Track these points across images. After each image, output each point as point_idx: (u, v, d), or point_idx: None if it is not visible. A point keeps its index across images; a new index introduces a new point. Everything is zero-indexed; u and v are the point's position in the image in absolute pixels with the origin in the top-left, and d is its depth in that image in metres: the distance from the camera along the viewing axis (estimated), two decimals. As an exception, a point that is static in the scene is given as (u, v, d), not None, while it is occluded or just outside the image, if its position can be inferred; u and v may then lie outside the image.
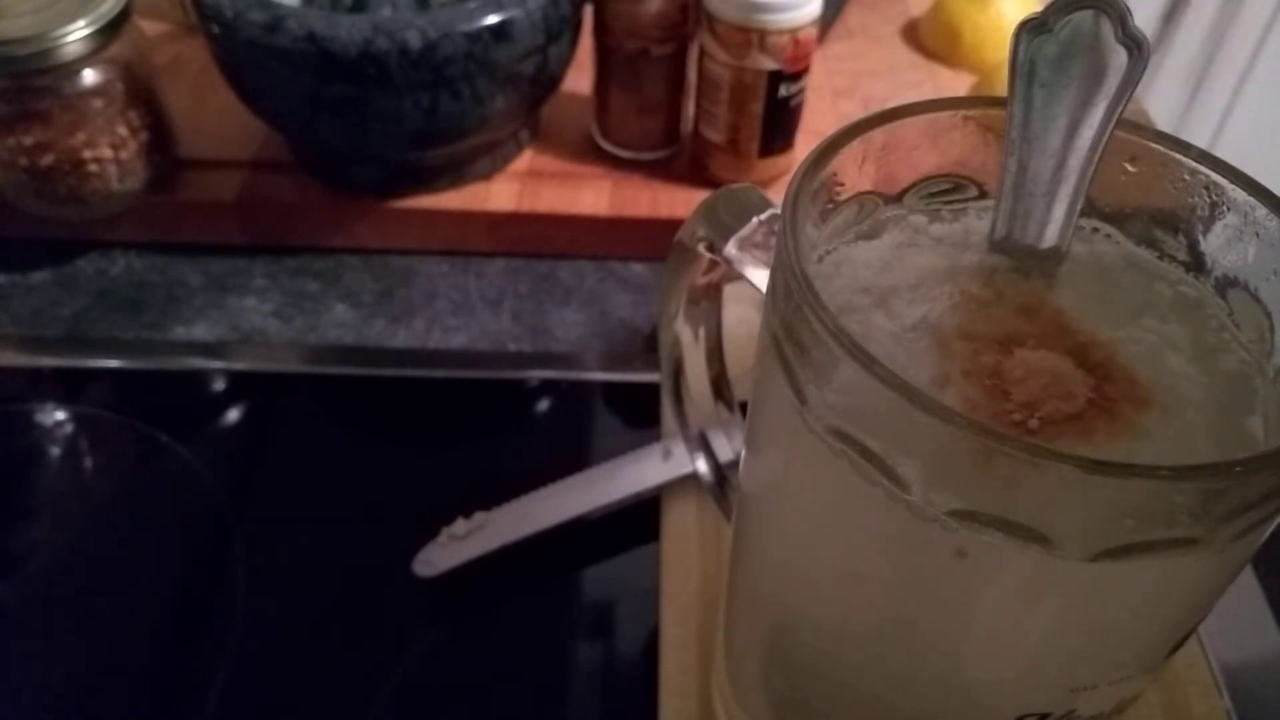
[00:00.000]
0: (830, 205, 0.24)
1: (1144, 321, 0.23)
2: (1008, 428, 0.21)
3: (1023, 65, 0.22)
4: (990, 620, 0.22)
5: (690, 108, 0.54)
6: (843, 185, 0.24)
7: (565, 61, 0.52)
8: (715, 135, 0.52)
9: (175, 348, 0.49)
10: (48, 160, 0.48)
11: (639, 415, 0.46)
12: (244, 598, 0.39)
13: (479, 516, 0.40)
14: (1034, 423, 0.21)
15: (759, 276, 0.26)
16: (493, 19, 0.46)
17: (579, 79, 0.55)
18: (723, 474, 0.35)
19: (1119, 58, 0.21)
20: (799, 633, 0.27)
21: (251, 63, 0.48)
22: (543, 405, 0.47)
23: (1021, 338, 0.22)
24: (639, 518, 0.41)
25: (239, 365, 0.48)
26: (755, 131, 0.52)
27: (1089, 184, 0.23)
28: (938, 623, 0.22)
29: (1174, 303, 0.24)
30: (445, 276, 0.53)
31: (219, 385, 0.48)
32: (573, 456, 0.43)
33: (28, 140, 0.47)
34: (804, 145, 0.55)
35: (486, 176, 0.54)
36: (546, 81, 0.52)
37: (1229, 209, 0.23)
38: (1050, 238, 0.24)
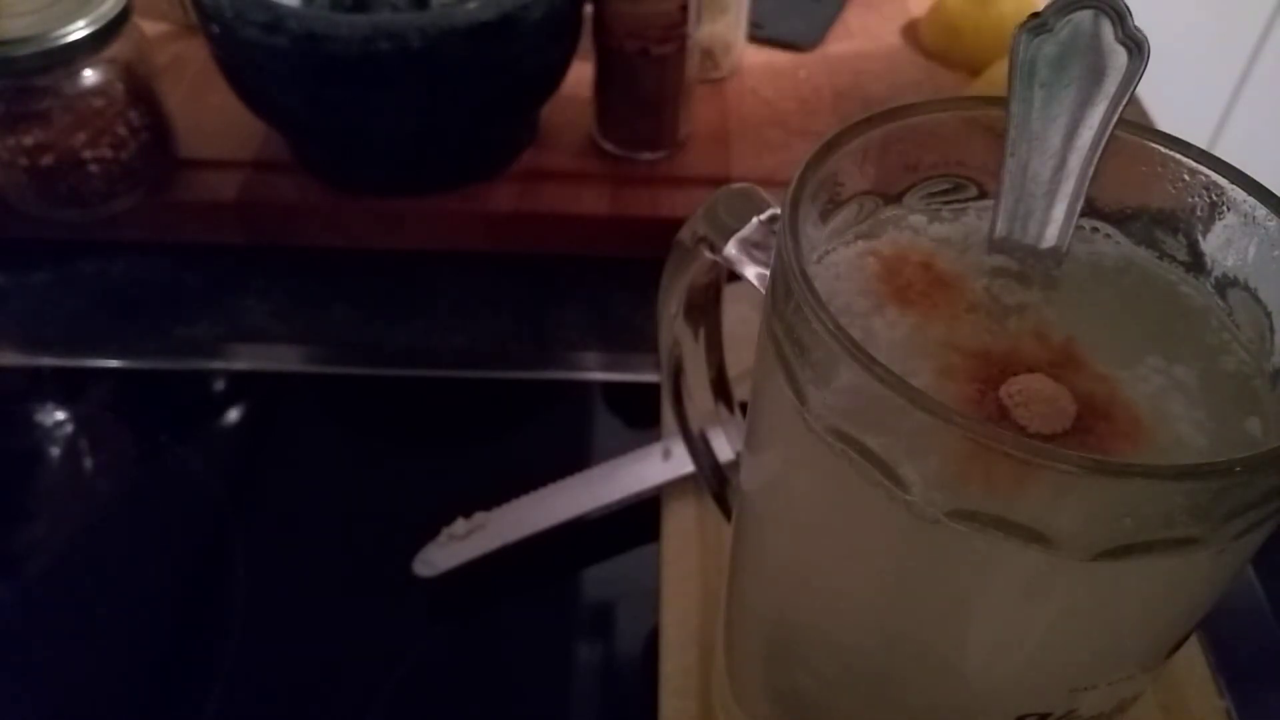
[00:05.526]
0: (830, 205, 0.24)
1: (1143, 324, 0.23)
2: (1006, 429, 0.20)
3: (1023, 65, 0.22)
4: (990, 620, 0.22)
5: (690, 108, 0.54)
6: (843, 185, 0.24)
7: (565, 61, 0.52)
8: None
9: (175, 348, 0.49)
10: (48, 160, 0.48)
11: (639, 415, 0.46)
12: (244, 598, 0.39)
13: (479, 516, 0.40)
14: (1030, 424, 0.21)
15: (759, 276, 0.26)
16: (492, 18, 0.46)
17: (579, 79, 0.55)
18: (723, 474, 0.35)
19: (1119, 58, 0.21)
20: (799, 633, 0.27)
21: (251, 63, 0.48)
22: (543, 405, 0.47)
23: (1018, 349, 0.22)
24: (639, 518, 0.41)
25: (239, 365, 0.48)
26: None
27: (1089, 184, 0.23)
28: (938, 623, 0.22)
29: (1173, 304, 0.24)
30: (445, 276, 0.53)
31: (219, 385, 0.48)
32: (573, 456, 0.43)
33: (28, 140, 0.47)
34: (804, 145, 0.54)
35: (486, 176, 0.54)
36: (546, 81, 0.52)
37: (1229, 209, 0.23)
38: (1050, 238, 0.24)
